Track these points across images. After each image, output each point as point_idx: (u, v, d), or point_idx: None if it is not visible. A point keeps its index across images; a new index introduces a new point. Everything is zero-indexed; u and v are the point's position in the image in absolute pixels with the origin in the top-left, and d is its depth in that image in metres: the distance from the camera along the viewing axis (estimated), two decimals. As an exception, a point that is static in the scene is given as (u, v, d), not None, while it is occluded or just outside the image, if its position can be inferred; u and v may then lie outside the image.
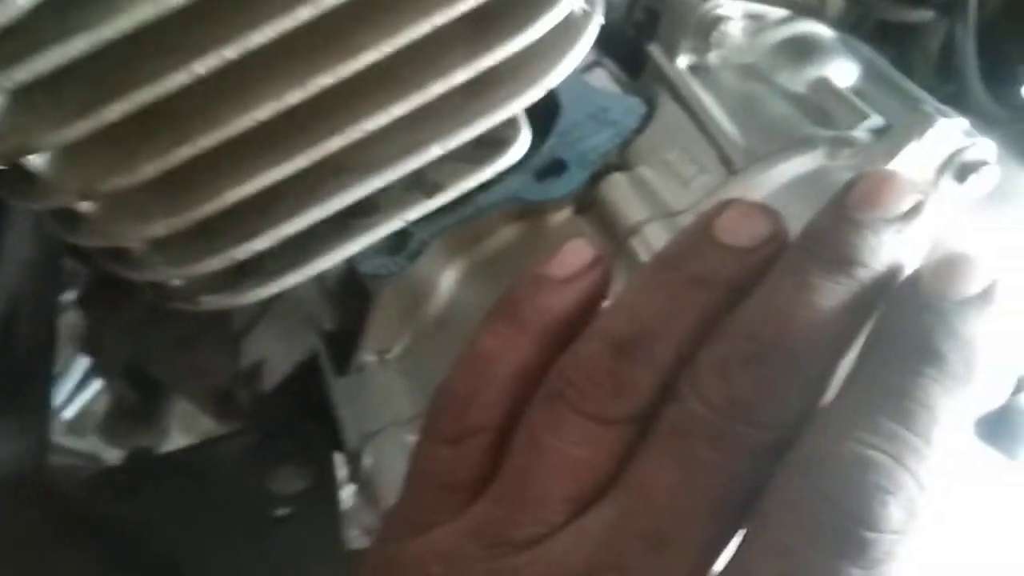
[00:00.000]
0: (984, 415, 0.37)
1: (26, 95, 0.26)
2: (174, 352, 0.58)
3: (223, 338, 0.54)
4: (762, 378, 0.23)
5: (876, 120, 0.36)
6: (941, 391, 0.22)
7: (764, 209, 0.24)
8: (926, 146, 0.34)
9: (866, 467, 0.22)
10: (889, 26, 0.46)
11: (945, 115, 0.35)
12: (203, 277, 0.31)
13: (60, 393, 0.99)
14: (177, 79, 0.25)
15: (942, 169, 0.34)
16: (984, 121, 0.39)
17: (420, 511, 0.26)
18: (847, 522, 0.21)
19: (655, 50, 0.43)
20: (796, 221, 0.24)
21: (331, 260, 0.33)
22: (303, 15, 0.25)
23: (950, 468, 0.22)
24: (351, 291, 0.45)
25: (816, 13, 0.44)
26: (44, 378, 0.43)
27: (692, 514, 0.22)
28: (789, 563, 0.21)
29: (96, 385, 1.03)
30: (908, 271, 0.24)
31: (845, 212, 0.24)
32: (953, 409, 0.22)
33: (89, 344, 0.61)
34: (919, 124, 0.34)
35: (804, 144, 0.36)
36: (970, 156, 0.34)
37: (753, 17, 0.42)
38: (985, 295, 0.24)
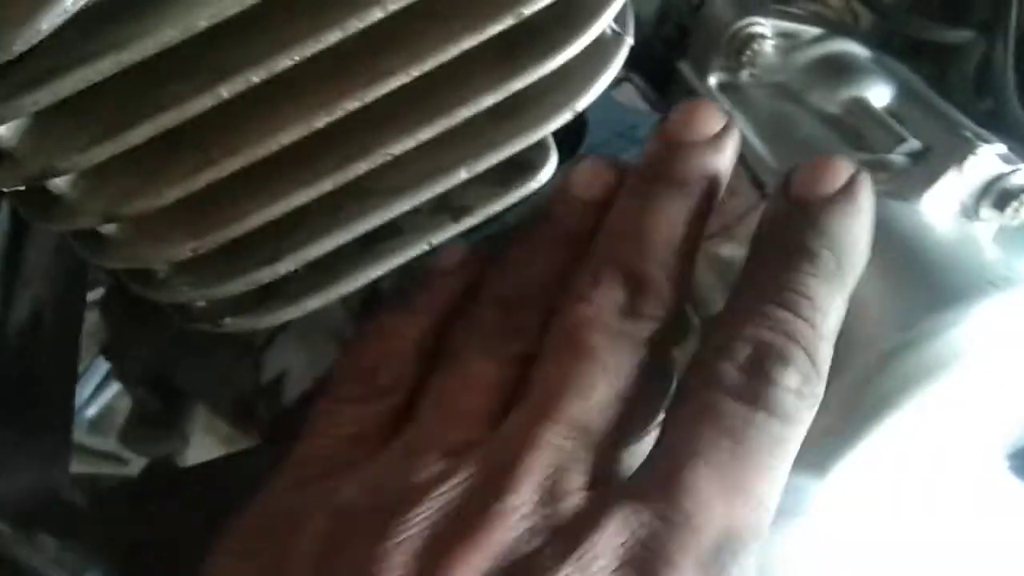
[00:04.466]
0: (1016, 450, 0.36)
1: (49, 117, 0.25)
2: (195, 361, 0.58)
3: (244, 348, 0.54)
4: (635, 281, 0.27)
5: (914, 144, 0.35)
6: (816, 283, 0.27)
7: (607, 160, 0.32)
8: (965, 173, 0.33)
9: (767, 344, 0.26)
10: (922, 44, 0.45)
11: (985, 140, 0.34)
12: (226, 299, 0.31)
13: (82, 392, 0.99)
14: (203, 102, 0.25)
15: (981, 195, 0.33)
16: (1021, 140, 0.38)
17: (316, 463, 0.28)
18: (758, 385, 0.25)
19: (685, 67, 0.42)
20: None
21: (355, 283, 0.32)
22: (331, 39, 0.25)
23: (831, 349, 0.27)
24: (373, 308, 0.44)
25: (849, 30, 0.43)
26: (68, 393, 0.43)
27: (599, 402, 0.26)
28: (714, 415, 0.25)
29: (118, 384, 1.02)
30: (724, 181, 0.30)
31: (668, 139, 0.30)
32: (829, 296, 0.27)
33: (110, 350, 0.61)
34: (959, 150, 0.33)
35: (839, 168, 0.35)
36: (1010, 183, 0.33)
37: (786, 35, 0.41)
38: (847, 190, 0.27)
